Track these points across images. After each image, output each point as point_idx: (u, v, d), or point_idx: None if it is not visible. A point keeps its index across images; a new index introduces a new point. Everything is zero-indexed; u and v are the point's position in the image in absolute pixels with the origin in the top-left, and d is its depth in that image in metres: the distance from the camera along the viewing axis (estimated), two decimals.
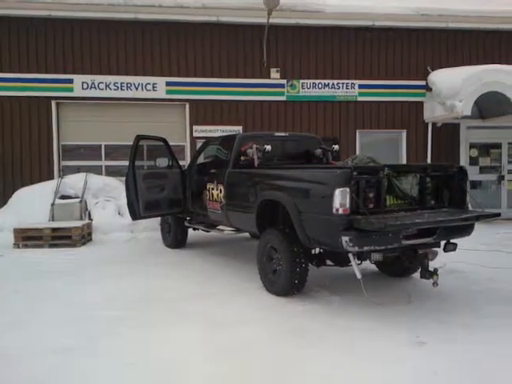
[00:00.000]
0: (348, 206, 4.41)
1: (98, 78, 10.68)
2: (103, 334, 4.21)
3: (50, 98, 10.65)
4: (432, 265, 5.26)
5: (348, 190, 4.41)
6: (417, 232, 4.83)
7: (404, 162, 11.69)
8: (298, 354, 3.79)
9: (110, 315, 4.70)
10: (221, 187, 6.53)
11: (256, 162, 6.30)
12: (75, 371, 3.51)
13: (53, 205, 9.40)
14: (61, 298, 5.35)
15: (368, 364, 3.59)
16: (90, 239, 8.97)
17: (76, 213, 9.39)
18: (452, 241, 5.21)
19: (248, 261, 6.88)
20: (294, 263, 5.07)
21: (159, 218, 8.68)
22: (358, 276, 4.67)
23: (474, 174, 11.90)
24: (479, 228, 8.90)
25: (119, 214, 9.51)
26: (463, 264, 6.69)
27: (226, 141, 6.97)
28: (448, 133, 11.73)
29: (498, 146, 12.13)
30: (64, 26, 10.60)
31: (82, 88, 10.65)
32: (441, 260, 5.68)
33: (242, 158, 6.49)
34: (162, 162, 7.70)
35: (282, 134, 7.20)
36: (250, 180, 5.96)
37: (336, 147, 7.17)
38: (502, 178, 12.09)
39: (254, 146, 6.35)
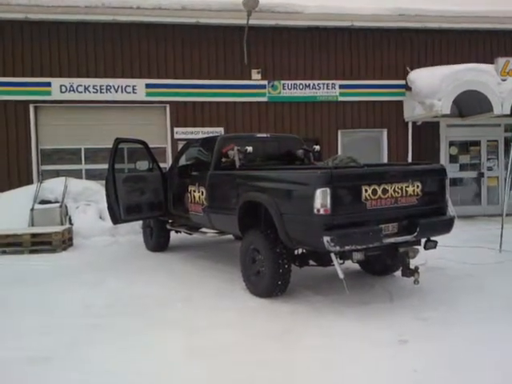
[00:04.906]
0: (329, 206, 4.42)
1: (77, 81, 10.51)
2: (81, 342, 4.14)
3: (27, 102, 10.44)
4: (413, 262, 5.30)
5: (329, 190, 4.42)
6: (397, 230, 4.89)
7: (385, 160, 11.78)
8: (280, 357, 3.77)
9: (89, 323, 4.62)
10: (202, 189, 6.49)
11: (237, 164, 6.28)
12: (53, 381, 3.44)
13: (32, 210, 9.22)
14: (39, 306, 5.26)
15: (349, 364, 3.60)
16: (71, 244, 8.82)
17: (56, 218, 9.22)
18: (432, 238, 5.26)
19: (231, 263, 6.85)
20: (276, 264, 5.07)
21: (141, 222, 8.59)
22: (341, 275, 4.69)
23: (454, 171, 12.07)
24: (459, 225, 9.07)
25: (100, 218, 9.38)
26: (444, 261, 6.77)
27: (207, 142, 6.93)
28: (428, 131, 11.84)
29: (477, 143, 12.29)
30: (41, 28, 10.42)
31: (61, 91, 10.47)
32: (422, 257, 5.73)
33: (224, 159, 6.45)
34: (143, 164, 7.63)
35: (264, 135, 7.20)
36: (232, 182, 5.94)
37: (317, 147, 7.20)
38: (481, 175, 12.26)
39: (236, 147, 6.33)
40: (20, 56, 10.43)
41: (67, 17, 10.31)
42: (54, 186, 9.70)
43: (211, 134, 9.46)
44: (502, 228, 7.57)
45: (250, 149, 6.31)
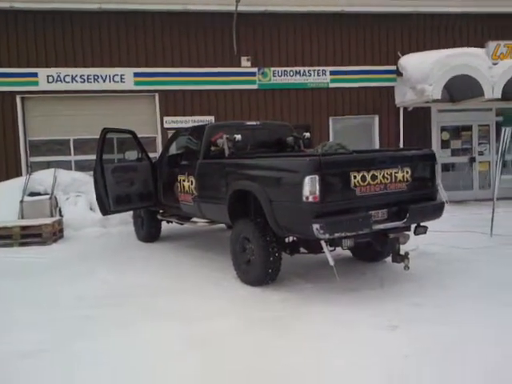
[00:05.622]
0: (318, 193, 4.39)
1: (64, 71, 10.37)
2: (74, 334, 4.10)
3: (14, 93, 10.31)
4: (403, 248, 5.30)
5: (317, 177, 4.39)
6: (387, 216, 4.87)
7: (377, 146, 11.75)
8: (271, 344, 3.76)
9: (81, 315, 4.58)
10: (192, 179, 6.43)
11: (227, 152, 6.23)
12: (45, 375, 3.40)
13: (22, 202, 9.14)
14: (30, 299, 5.22)
15: (339, 351, 3.59)
16: (62, 236, 8.76)
17: (46, 210, 9.14)
18: (422, 224, 5.25)
19: (223, 252, 6.82)
20: (266, 253, 5.05)
21: (132, 212, 8.53)
22: (331, 263, 4.69)
23: (445, 156, 12.08)
24: (451, 210, 9.08)
25: (91, 209, 9.30)
26: (435, 246, 6.77)
27: (196, 131, 6.86)
28: (419, 117, 11.82)
29: (468, 128, 12.28)
30: (26, 17, 10.25)
31: (48, 81, 10.33)
32: (413, 243, 5.73)
33: (213, 148, 6.39)
34: (132, 155, 7.55)
35: (253, 123, 7.13)
36: (221, 170, 5.88)
37: (307, 135, 7.13)
38: (473, 159, 12.28)
39: (224, 135, 6.27)
40: (6, 46, 10.28)
41: (53, 5, 10.17)
42: (43, 178, 9.62)
43: (201, 123, 9.36)
44: (492, 212, 7.59)
45: (238, 137, 6.25)
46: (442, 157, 12.00)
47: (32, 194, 9.40)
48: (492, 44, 10.51)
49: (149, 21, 10.64)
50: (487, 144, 12.36)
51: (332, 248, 4.92)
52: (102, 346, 3.84)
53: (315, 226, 4.36)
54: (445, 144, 12.22)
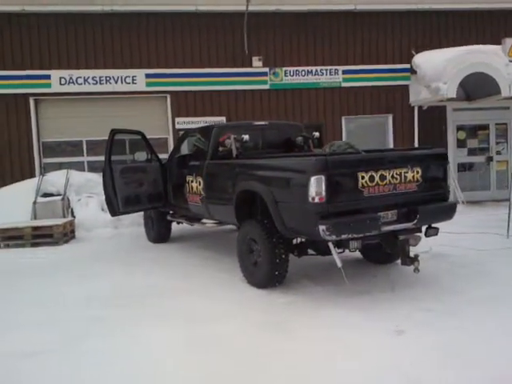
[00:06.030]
0: (324, 194, 4.30)
1: (76, 73, 10.46)
2: (80, 335, 4.08)
3: (27, 95, 10.42)
4: (416, 250, 5.16)
5: (323, 177, 4.29)
6: (396, 217, 4.75)
7: (391, 146, 11.57)
8: (276, 347, 3.69)
9: (89, 315, 4.57)
10: (200, 179, 6.39)
11: (234, 153, 6.17)
12: (47, 376, 3.38)
13: (35, 203, 9.23)
14: (38, 299, 5.22)
15: (343, 355, 3.50)
16: (73, 236, 8.82)
17: (58, 210, 9.22)
18: (434, 225, 5.11)
19: (231, 253, 6.74)
20: (273, 254, 4.96)
21: (143, 213, 8.53)
22: (339, 265, 4.58)
23: (462, 156, 11.84)
24: (467, 211, 8.89)
25: (102, 210, 9.32)
26: (449, 248, 6.60)
27: (204, 132, 6.81)
28: (434, 116, 11.60)
29: (485, 127, 12.01)
30: (38, 20, 10.35)
31: (60, 83, 10.42)
32: (426, 245, 5.58)
33: (221, 148, 6.34)
34: (141, 155, 7.54)
35: (261, 123, 7.07)
36: (228, 171, 5.83)
37: (316, 134, 7.03)
38: (490, 159, 11.99)
39: (232, 136, 6.21)
40: (19, 49, 10.39)
41: (64, 8, 10.26)
42: (55, 179, 9.70)
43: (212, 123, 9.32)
44: (509, 213, 7.38)
45: (246, 137, 6.19)
46: (459, 156, 11.79)
47: (45, 195, 9.49)
48: (509, 41, 10.16)
49: (160, 22, 10.66)
50: (505, 143, 12.06)
51: (340, 250, 4.82)
52: (109, 346, 3.81)
53: (321, 228, 4.26)
54: (461, 143, 11.97)
